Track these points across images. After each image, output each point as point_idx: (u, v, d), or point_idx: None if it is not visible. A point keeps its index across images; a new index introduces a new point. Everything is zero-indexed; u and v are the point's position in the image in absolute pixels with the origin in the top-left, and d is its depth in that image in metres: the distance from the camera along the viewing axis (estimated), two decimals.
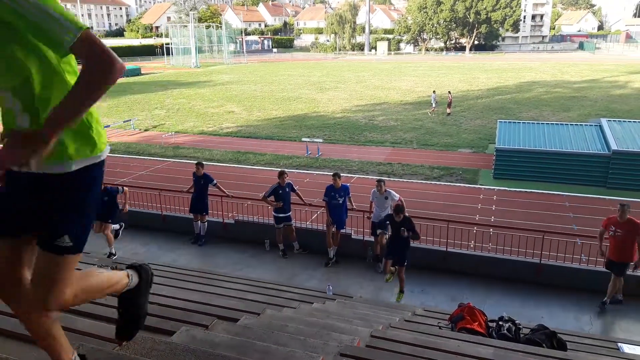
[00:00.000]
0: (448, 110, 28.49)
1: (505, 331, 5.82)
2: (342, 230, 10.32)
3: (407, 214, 8.70)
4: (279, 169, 11.19)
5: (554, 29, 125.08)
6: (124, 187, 10.15)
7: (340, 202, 10.05)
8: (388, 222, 8.99)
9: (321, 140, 21.44)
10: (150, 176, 17.12)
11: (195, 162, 11.52)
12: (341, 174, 10.95)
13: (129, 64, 64.73)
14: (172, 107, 33.29)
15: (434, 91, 30.44)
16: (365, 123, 26.91)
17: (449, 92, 30.04)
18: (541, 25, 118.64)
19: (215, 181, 11.13)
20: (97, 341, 2.82)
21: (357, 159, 19.34)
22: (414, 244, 10.20)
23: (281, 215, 10.53)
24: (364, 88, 42.13)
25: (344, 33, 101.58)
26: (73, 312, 3.61)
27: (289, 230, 10.70)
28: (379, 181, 10.03)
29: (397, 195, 9.85)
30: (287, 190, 10.46)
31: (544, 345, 5.39)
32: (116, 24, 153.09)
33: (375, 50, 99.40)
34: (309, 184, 15.78)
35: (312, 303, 6.39)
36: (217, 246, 11.24)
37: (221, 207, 11.85)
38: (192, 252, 11.04)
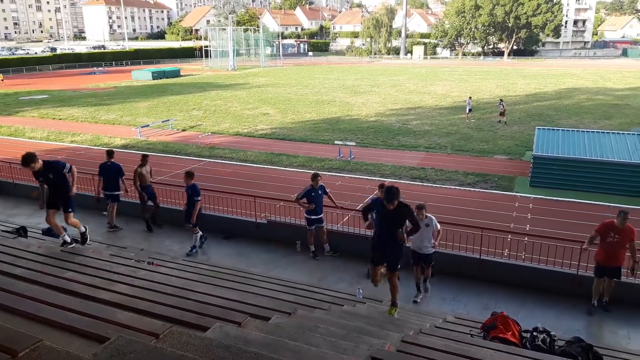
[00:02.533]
0: (503, 119, 27.37)
1: (540, 342, 5.69)
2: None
3: (403, 201, 6.31)
4: (312, 172, 11.22)
5: (596, 34, 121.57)
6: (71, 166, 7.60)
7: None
8: (376, 211, 6.84)
9: (354, 144, 21.42)
10: None
11: (185, 171, 11.31)
12: (373, 178, 10.86)
13: (169, 66, 66.28)
14: (209, 109, 33.88)
15: (470, 97, 29.79)
16: (399, 127, 26.74)
17: (501, 100, 28.79)
18: (583, 31, 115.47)
19: (199, 198, 10.73)
20: (135, 333, 2.91)
21: (390, 163, 19.23)
22: (445, 250, 10.12)
23: (313, 217, 10.59)
24: (398, 92, 41.87)
25: (379, 37, 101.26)
26: (113, 305, 3.74)
27: (320, 232, 10.74)
28: (419, 208, 8.55)
29: (438, 225, 8.94)
30: (320, 192, 10.51)
31: (579, 358, 5.25)
32: (158, 27, 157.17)
33: (411, 54, 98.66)
34: (340, 187, 15.79)
35: (343, 305, 6.41)
36: (250, 246, 11.38)
37: (254, 207, 11.99)
38: (225, 251, 11.21)
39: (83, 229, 7.84)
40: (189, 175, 10.78)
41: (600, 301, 8.69)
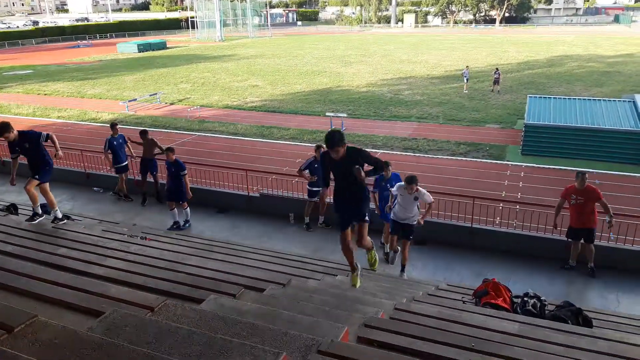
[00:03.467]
0: (497, 88, 26.91)
1: (530, 307, 5.80)
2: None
3: (351, 145, 4.95)
4: (316, 144, 10.89)
5: (588, 1, 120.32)
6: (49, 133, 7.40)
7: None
8: (319, 166, 7.13)
9: (345, 115, 21.30)
10: (177, 149, 17.22)
11: (166, 147, 11.22)
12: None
13: (155, 38, 65.03)
14: (197, 81, 33.41)
15: (467, 66, 29.29)
16: (391, 97, 26.57)
17: (497, 68, 28.12)
18: None
19: (185, 171, 10.68)
20: (130, 307, 2.92)
21: (382, 134, 19.18)
22: (438, 219, 10.19)
23: (315, 189, 10.57)
24: (389, 62, 41.47)
25: (369, 5, 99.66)
26: (108, 280, 3.73)
27: (321, 204, 10.69)
28: (409, 181, 7.83)
29: (431, 198, 8.15)
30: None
31: (569, 321, 5.36)
32: None
33: (402, 23, 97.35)
34: None
35: (336, 275, 6.47)
36: (243, 219, 11.40)
37: (246, 181, 11.96)
38: (219, 224, 11.23)
39: (39, 210, 7.40)
40: (170, 150, 10.69)
41: (587, 267, 8.85)
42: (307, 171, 10.32)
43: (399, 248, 8.71)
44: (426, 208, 8.27)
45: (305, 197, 10.95)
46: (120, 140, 12.17)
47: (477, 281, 7.38)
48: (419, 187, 7.94)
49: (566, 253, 9.12)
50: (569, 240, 8.98)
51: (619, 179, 14.12)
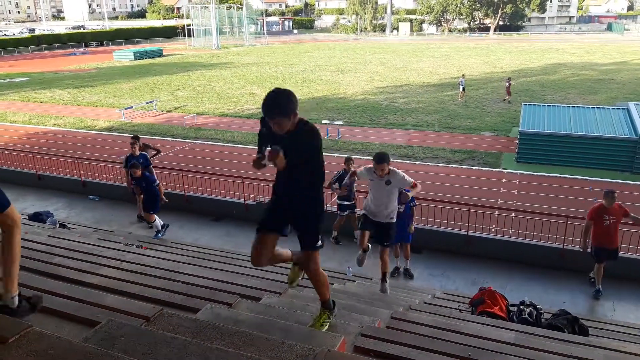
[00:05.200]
0: (508, 98, 26.56)
1: (527, 316, 5.80)
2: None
3: (309, 122, 3.77)
4: (345, 155, 10.56)
5: (581, 9, 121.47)
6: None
7: (402, 210, 7.70)
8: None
9: (341, 123, 21.36)
10: (172, 157, 17.30)
11: (131, 164, 10.27)
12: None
13: (152, 46, 65.11)
14: (193, 89, 33.44)
15: (463, 75, 29.34)
16: (386, 105, 26.66)
17: (509, 78, 27.72)
18: (568, 6, 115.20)
19: (157, 182, 10.39)
20: (126, 317, 2.90)
21: (378, 142, 19.22)
22: (434, 227, 10.21)
23: (345, 202, 10.16)
24: (385, 70, 41.65)
25: (365, 14, 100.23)
26: (103, 289, 3.71)
27: (352, 219, 10.26)
28: (379, 159, 5.68)
29: (411, 180, 5.85)
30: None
31: (565, 330, 5.37)
32: (138, 5, 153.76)
33: (397, 31, 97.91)
34: (327, 166, 15.74)
35: (332, 284, 6.45)
36: (239, 227, 11.37)
37: (242, 189, 11.95)
38: (214, 232, 11.20)
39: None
40: (135, 166, 9.99)
41: (586, 277, 8.80)
42: (336, 184, 9.49)
43: (369, 246, 6.28)
44: (412, 192, 5.99)
45: None
46: (142, 160, 10.59)
47: (473, 289, 7.39)
48: (393, 169, 5.79)
49: (563, 262, 9.14)
50: (601, 263, 8.42)
51: (613, 186, 14.16)
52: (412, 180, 5.85)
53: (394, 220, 6.10)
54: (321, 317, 3.47)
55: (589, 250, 8.32)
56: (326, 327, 3.38)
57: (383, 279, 6.42)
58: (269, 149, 2.96)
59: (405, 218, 8.24)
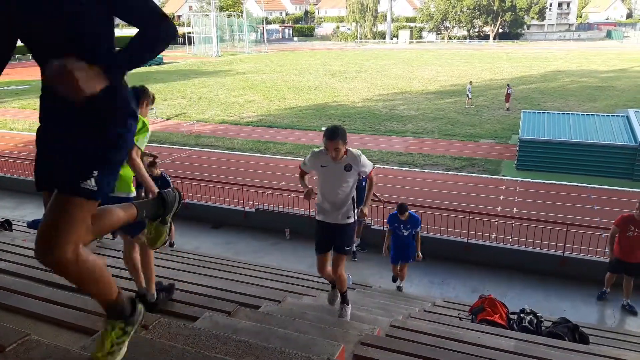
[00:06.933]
0: (507, 105, 26.57)
1: (527, 324, 5.78)
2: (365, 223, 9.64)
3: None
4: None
5: (580, 17, 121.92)
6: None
7: (405, 234, 8.03)
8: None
9: None
10: (172, 164, 17.31)
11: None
12: None
13: None
14: (193, 96, 33.53)
15: (470, 82, 29.28)
16: (386, 113, 26.72)
17: (508, 85, 27.84)
18: (568, 13, 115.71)
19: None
20: None
21: (378, 149, 19.25)
22: (433, 234, 10.20)
23: None
24: (385, 77, 41.77)
25: (365, 21, 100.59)
26: None
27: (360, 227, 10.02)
28: (331, 135, 4.01)
29: (371, 165, 4.38)
30: (363, 184, 9.88)
31: (565, 338, 5.34)
32: None
33: (397, 38, 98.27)
34: None
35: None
36: (239, 235, 11.37)
37: (242, 196, 11.95)
38: (214, 240, 11.18)
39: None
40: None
41: (620, 300, 8.38)
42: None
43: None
44: (367, 186, 4.60)
45: (301, 212, 10.92)
46: (160, 183, 8.85)
47: (473, 297, 7.37)
48: (350, 149, 4.20)
49: (563, 269, 9.12)
50: (614, 273, 8.22)
51: (612, 193, 14.19)
52: (373, 166, 4.41)
53: (352, 220, 4.34)
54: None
55: (611, 259, 8.05)
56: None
57: (342, 301, 4.57)
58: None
59: (406, 240, 8.05)
